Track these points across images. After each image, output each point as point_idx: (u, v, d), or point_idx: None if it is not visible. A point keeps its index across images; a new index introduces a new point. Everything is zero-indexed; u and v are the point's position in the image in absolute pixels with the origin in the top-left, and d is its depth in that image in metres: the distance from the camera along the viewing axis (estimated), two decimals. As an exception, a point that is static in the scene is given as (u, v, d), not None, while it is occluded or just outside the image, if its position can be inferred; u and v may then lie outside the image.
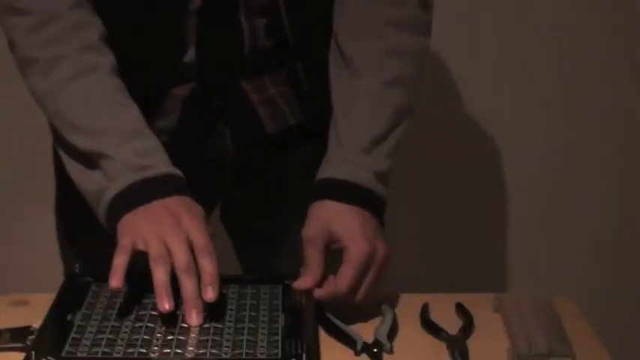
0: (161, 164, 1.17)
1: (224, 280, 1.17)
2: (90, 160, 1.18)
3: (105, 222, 1.16)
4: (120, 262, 1.08)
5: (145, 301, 1.11)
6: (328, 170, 1.22)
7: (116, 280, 1.06)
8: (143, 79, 1.25)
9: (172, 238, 1.09)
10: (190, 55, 1.25)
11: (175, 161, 1.22)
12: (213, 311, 1.09)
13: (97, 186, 1.17)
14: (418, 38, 1.26)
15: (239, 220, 1.46)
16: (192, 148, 1.31)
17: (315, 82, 1.30)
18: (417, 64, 1.26)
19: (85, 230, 1.36)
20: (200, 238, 1.10)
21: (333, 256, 1.16)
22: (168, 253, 1.08)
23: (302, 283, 1.15)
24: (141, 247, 1.09)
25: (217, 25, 1.24)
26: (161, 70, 1.26)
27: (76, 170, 1.20)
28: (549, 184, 2.06)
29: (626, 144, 2.05)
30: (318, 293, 1.14)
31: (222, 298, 1.13)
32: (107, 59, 1.20)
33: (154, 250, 1.08)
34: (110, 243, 1.16)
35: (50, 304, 1.12)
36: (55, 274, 1.41)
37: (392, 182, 1.24)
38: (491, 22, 1.91)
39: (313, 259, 1.16)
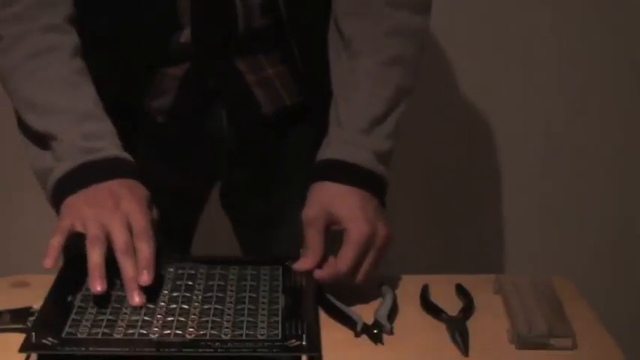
0: (109, 147, 1.17)
1: (225, 262, 1.17)
2: (42, 141, 1.19)
3: (51, 203, 1.17)
4: (54, 243, 1.09)
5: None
6: (328, 151, 1.21)
7: (49, 260, 1.07)
8: (138, 60, 1.25)
9: (111, 221, 1.09)
10: (186, 35, 1.25)
11: (171, 141, 1.22)
12: (213, 292, 1.09)
13: (45, 166, 1.18)
14: (417, 18, 1.26)
15: (237, 201, 1.46)
16: (187, 128, 1.31)
17: (310, 62, 1.30)
18: (417, 44, 1.26)
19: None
20: (138, 221, 1.10)
21: (334, 237, 1.16)
22: (107, 235, 1.08)
23: (302, 264, 1.15)
24: (79, 228, 1.10)
25: (211, 4, 1.24)
26: (156, 51, 1.25)
27: (30, 150, 1.22)
28: (548, 168, 2.06)
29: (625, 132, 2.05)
30: (319, 274, 1.14)
31: (222, 280, 1.13)
32: (70, 39, 1.20)
33: (91, 232, 1.08)
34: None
35: (50, 286, 1.12)
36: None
37: (393, 164, 1.24)
38: (492, 11, 1.91)
39: (313, 240, 1.16)
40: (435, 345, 1.08)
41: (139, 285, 1.07)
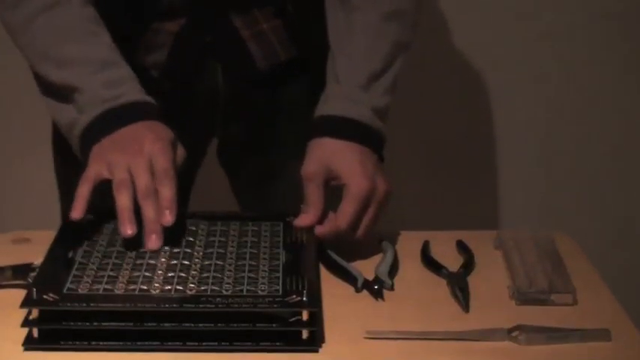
0: (130, 92, 1.17)
1: (225, 218, 1.17)
2: (63, 94, 1.18)
3: (79, 156, 1.17)
4: (82, 191, 1.09)
5: (147, 238, 1.11)
6: (326, 107, 1.21)
7: (77, 210, 1.08)
8: (134, 14, 1.24)
9: (134, 164, 1.10)
10: None
11: (166, 96, 1.21)
12: (214, 248, 1.09)
13: (69, 119, 1.18)
14: None
15: (234, 158, 1.45)
16: (182, 83, 1.30)
17: (305, 16, 1.29)
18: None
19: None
20: (160, 162, 1.10)
21: (334, 193, 1.16)
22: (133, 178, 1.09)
23: (303, 220, 1.15)
24: (106, 175, 1.10)
25: None
26: (152, 6, 1.25)
27: (51, 104, 1.21)
28: (550, 122, 2.06)
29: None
30: (319, 230, 1.14)
31: (223, 236, 1.13)
32: None
33: (117, 176, 1.09)
34: (109, 182, 1.16)
35: (51, 242, 1.12)
36: (56, 211, 1.41)
37: (392, 119, 1.24)
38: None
39: (313, 196, 1.16)
40: (435, 301, 1.09)
41: (161, 226, 1.07)
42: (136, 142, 1.12)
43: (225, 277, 1.03)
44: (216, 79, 1.31)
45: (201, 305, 0.98)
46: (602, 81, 2.02)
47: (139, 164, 1.10)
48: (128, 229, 1.07)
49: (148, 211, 1.08)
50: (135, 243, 1.10)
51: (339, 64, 1.23)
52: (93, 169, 1.11)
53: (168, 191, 1.09)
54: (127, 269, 1.05)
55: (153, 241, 1.07)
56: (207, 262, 1.07)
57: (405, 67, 1.24)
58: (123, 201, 1.08)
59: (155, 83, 1.29)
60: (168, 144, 1.13)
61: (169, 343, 0.97)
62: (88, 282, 1.02)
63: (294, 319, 0.98)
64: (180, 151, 1.16)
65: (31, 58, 1.20)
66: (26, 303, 0.97)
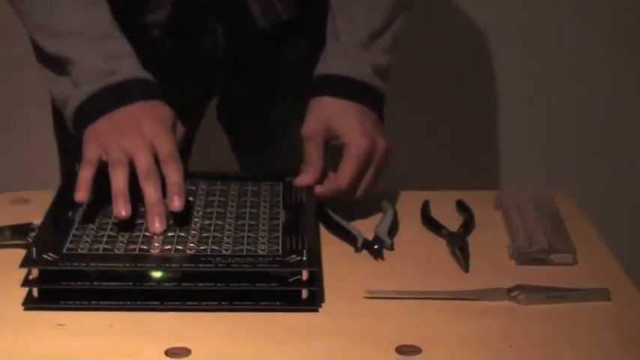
0: (127, 68, 1.14)
1: (225, 178, 1.17)
2: (59, 65, 1.16)
3: (73, 131, 1.15)
4: (85, 175, 1.07)
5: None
6: (326, 66, 1.20)
7: (82, 194, 1.06)
8: None
9: (133, 146, 1.07)
10: None
11: (166, 56, 1.20)
12: (214, 208, 1.09)
13: (64, 93, 1.16)
14: None
15: (234, 118, 1.45)
16: (183, 43, 1.29)
17: None
18: None
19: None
20: (164, 146, 1.08)
21: (333, 153, 1.16)
22: (130, 160, 1.07)
23: (302, 179, 1.15)
24: (104, 157, 1.08)
25: None
26: None
27: (47, 75, 1.19)
28: (550, 82, 2.05)
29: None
30: (319, 190, 1.14)
31: (222, 196, 1.13)
32: None
33: (112, 156, 1.07)
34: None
35: (51, 202, 1.12)
36: (56, 172, 1.41)
37: (392, 78, 1.23)
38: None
39: (313, 155, 1.15)
40: (435, 260, 1.09)
41: (170, 210, 1.06)
42: (133, 123, 1.10)
43: (224, 237, 1.03)
44: (217, 39, 1.30)
45: (200, 265, 0.98)
46: (605, 38, 2.01)
47: (139, 145, 1.07)
48: (122, 211, 1.04)
49: (151, 194, 1.06)
50: (134, 203, 1.10)
51: (339, 23, 1.22)
52: (93, 152, 1.09)
53: (175, 176, 1.07)
54: (126, 229, 1.04)
55: (157, 225, 1.04)
56: (206, 222, 1.07)
57: (406, 26, 1.23)
58: (118, 181, 1.05)
59: (156, 43, 1.28)
60: (168, 126, 1.11)
61: (169, 303, 0.97)
62: (87, 242, 1.02)
63: (293, 278, 0.98)
64: (180, 130, 1.14)
65: (28, 26, 1.18)
66: (26, 263, 0.97)
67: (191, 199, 1.12)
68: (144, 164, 1.06)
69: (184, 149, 1.47)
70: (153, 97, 1.14)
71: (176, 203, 1.06)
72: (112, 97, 1.12)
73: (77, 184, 1.06)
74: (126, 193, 1.05)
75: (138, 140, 1.08)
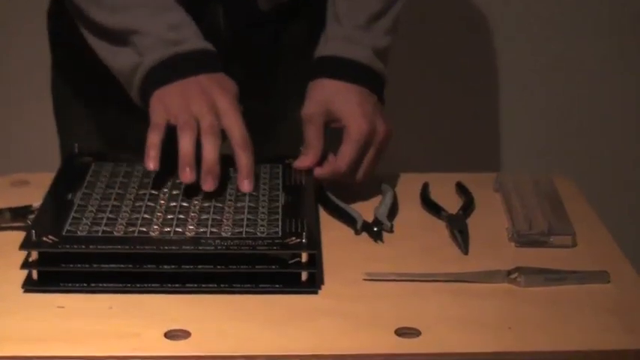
0: (193, 38, 1.15)
1: (224, 160, 1.17)
2: (120, 38, 1.15)
3: (138, 99, 1.15)
4: (154, 140, 1.07)
5: (146, 180, 1.11)
6: (326, 48, 1.20)
7: (152, 160, 1.06)
8: None
9: (202, 112, 1.08)
10: None
11: None
12: (214, 190, 1.09)
13: (128, 63, 1.15)
14: None
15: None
16: None
17: None
18: None
19: (82, 109, 1.35)
20: (237, 129, 1.09)
21: (333, 135, 1.16)
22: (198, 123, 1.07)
23: (302, 162, 1.15)
24: (173, 122, 1.08)
25: None
26: None
27: (104, 50, 1.18)
28: (551, 61, 2.05)
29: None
30: (319, 172, 1.14)
31: (222, 178, 1.12)
32: None
33: (182, 119, 1.07)
34: (108, 123, 1.15)
35: (50, 184, 1.12)
36: (56, 154, 1.41)
37: (392, 61, 1.23)
38: None
39: (313, 137, 1.15)
40: (434, 243, 1.09)
41: (240, 189, 1.08)
42: (204, 95, 1.10)
43: (224, 220, 1.03)
44: (218, 20, 1.30)
45: (200, 247, 0.98)
46: (604, 23, 2.01)
47: (206, 111, 1.08)
48: (188, 175, 1.05)
49: (209, 150, 1.06)
50: (133, 185, 1.10)
51: (339, 5, 1.21)
52: (160, 116, 1.09)
53: (247, 160, 1.08)
54: (126, 211, 1.05)
55: (209, 183, 1.06)
56: (206, 204, 1.06)
57: (407, 8, 1.23)
58: (186, 144, 1.05)
59: None
60: (237, 100, 1.12)
61: (168, 285, 0.97)
62: (87, 224, 1.01)
63: (293, 261, 0.98)
64: (241, 107, 1.14)
65: (84, 6, 1.17)
66: (25, 245, 0.97)
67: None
68: (207, 122, 1.07)
69: None
70: (218, 69, 1.15)
71: (246, 187, 1.08)
72: (182, 65, 1.13)
73: (146, 149, 1.06)
74: (192, 157, 1.06)
75: (206, 107, 1.08)
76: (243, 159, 1.08)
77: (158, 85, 1.12)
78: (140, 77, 1.13)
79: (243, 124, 1.10)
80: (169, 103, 1.10)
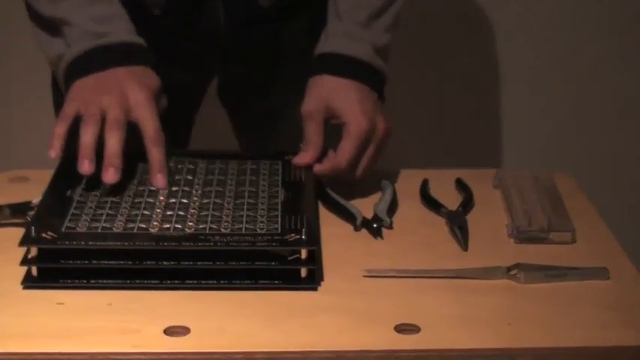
0: (119, 31, 1.16)
1: (224, 156, 1.17)
2: (53, 27, 1.17)
3: (63, 91, 1.16)
4: (58, 130, 1.08)
5: (145, 177, 1.11)
6: (327, 45, 1.20)
7: (54, 150, 1.07)
8: None
9: (111, 104, 1.08)
10: None
11: (167, 34, 1.19)
12: (213, 187, 1.09)
13: (57, 53, 1.17)
14: None
15: (235, 97, 1.45)
16: (184, 21, 1.29)
17: None
18: None
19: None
20: (148, 124, 1.09)
21: (333, 131, 1.16)
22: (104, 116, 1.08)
23: (302, 158, 1.15)
24: (82, 113, 1.09)
25: None
26: None
27: (41, 38, 1.20)
28: (550, 63, 2.05)
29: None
30: (318, 168, 1.14)
31: (221, 174, 1.12)
32: None
33: (88, 112, 1.08)
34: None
35: (50, 180, 1.11)
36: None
37: (392, 58, 1.23)
38: None
39: (313, 134, 1.15)
40: (434, 239, 1.09)
41: (154, 185, 1.08)
42: (118, 88, 1.10)
43: (223, 216, 1.03)
44: (218, 17, 1.29)
45: (199, 243, 0.98)
46: (605, 19, 2.01)
47: (113, 103, 1.08)
48: (86, 167, 1.05)
49: (110, 144, 1.06)
50: (132, 182, 1.09)
51: (340, 2, 1.21)
52: (71, 107, 1.10)
53: (158, 154, 1.08)
54: (125, 208, 1.04)
55: (110, 175, 1.06)
56: (205, 201, 1.06)
57: (407, 5, 1.23)
58: (86, 136, 1.06)
59: (156, 22, 1.27)
60: (153, 96, 1.12)
61: (168, 282, 0.97)
62: (86, 220, 1.01)
63: (292, 257, 0.98)
64: (163, 102, 1.15)
65: None
66: (25, 241, 0.97)
67: (190, 177, 1.12)
68: (112, 116, 1.07)
69: (185, 127, 1.48)
70: (142, 63, 1.15)
71: (160, 181, 1.08)
72: (102, 57, 1.13)
73: (50, 139, 1.07)
74: (91, 149, 1.06)
75: (115, 100, 1.09)
76: (155, 154, 1.09)
77: (78, 76, 1.13)
78: (63, 68, 1.15)
79: (156, 118, 1.10)
80: (83, 95, 1.11)
